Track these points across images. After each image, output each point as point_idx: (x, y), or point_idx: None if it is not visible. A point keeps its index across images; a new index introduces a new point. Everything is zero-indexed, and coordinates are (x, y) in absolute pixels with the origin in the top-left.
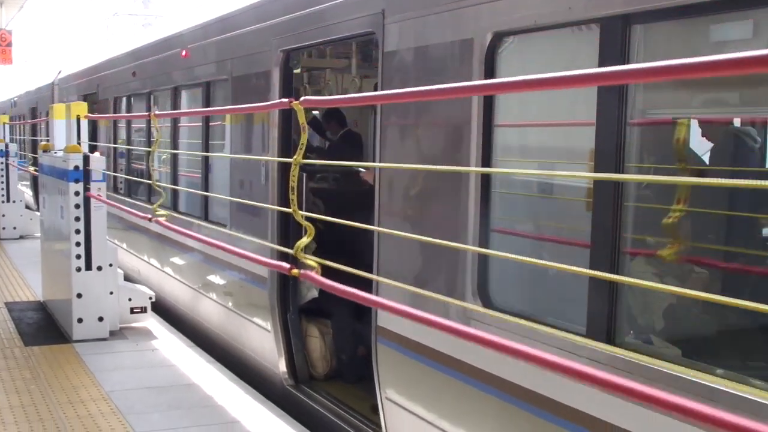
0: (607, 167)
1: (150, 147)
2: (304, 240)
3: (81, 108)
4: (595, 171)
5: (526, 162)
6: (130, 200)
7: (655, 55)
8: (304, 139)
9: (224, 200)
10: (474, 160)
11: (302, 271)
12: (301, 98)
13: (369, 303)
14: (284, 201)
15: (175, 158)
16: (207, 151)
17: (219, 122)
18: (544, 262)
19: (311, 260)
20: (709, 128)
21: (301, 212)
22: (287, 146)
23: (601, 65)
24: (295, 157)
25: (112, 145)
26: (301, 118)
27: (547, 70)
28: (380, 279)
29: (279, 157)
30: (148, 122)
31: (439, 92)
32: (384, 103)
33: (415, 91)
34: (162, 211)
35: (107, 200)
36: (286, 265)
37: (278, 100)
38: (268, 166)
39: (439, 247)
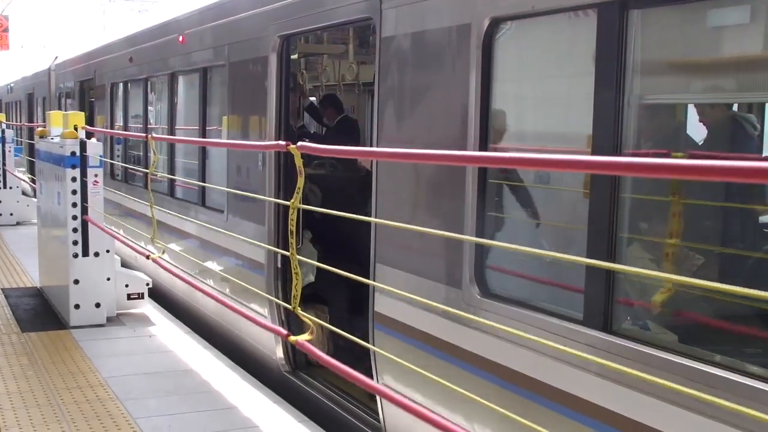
0: (605, 150)
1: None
2: (297, 292)
3: (78, 118)
4: (593, 152)
5: (522, 147)
6: (127, 185)
7: (653, 40)
8: (300, 183)
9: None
10: (471, 146)
11: (299, 340)
12: (298, 144)
13: (372, 389)
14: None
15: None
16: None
17: (217, 107)
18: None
19: (308, 318)
20: (707, 114)
21: (298, 257)
22: (286, 130)
23: (598, 51)
24: (292, 201)
25: (110, 161)
26: (298, 162)
27: (544, 57)
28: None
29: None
30: (146, 106)
31: (435, 157)
32: (381, 159)
33: (409, 154)
34: (161, 243)
35: (109, 231)
36: (284, 331)
37: (275, 142)
38: (265, 155)
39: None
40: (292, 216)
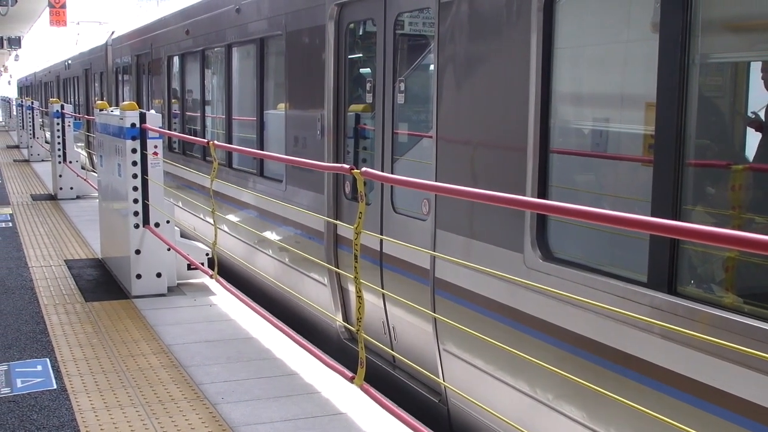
0: (668, 114)
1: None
2: (361, 315)
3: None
4: (656, 115)
5: (584, 122)
6: (185, 158)
7: None
8: (362, 207)
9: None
10: (532, 113)
11: (364, 385)
12: (362, 169)
13: None
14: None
15: (229, 110)
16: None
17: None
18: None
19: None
20: None
21: (363, 282)
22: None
23: (663, 17)
24: (354, 226)
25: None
26: (360, 187)
27: (605, 20)
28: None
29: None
30: (202, 81)
31: (492, 198)
32: (439, 193)
33: (468, 192)
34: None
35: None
36: (348, 374)
37: (339, 164)
38: (323, 121)
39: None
40: (357, 241)
